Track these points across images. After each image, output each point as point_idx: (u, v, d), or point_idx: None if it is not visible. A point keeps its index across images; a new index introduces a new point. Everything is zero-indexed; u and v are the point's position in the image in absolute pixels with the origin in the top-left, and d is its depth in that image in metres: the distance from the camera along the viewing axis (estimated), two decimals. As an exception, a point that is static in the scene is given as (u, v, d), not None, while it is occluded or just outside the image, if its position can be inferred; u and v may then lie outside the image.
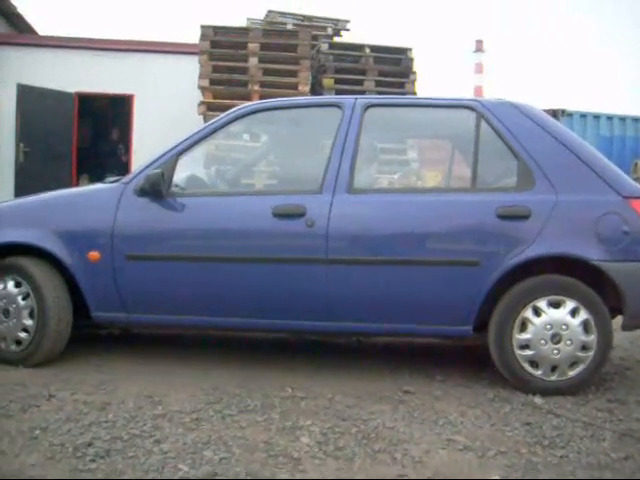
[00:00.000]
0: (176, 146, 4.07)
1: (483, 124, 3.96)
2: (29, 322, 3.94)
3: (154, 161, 4.04)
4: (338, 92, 9.81)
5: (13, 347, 3.98)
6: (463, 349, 4.87)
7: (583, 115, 12.88)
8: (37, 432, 2.91)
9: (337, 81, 9.88)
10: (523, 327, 3.70)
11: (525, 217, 3.72)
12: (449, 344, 4.98)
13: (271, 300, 3.89)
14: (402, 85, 10.05)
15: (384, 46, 10.34)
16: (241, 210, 3.99)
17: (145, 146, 10.99)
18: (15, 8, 11.96)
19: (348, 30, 11.93)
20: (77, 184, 11.57)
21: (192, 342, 4.84)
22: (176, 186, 4.03)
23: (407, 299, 3.81)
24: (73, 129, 11.37)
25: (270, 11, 11.91)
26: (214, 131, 4.16)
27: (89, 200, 4.18)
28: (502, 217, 3.73)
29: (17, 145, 10.63)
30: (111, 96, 11.87)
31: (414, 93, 10.04)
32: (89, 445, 2.78)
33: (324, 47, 10.10)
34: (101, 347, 4.48)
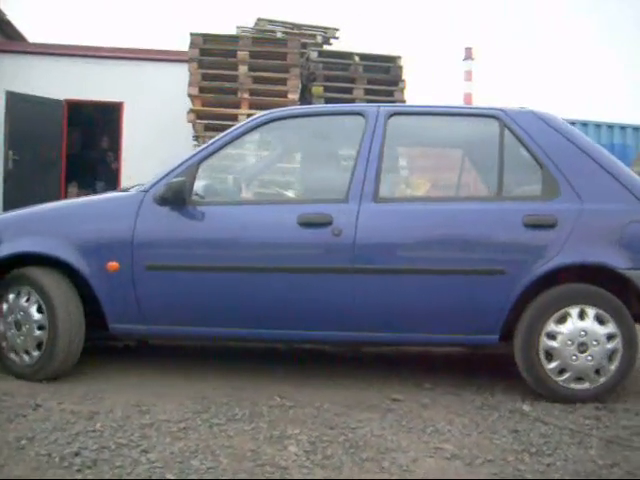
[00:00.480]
0: (196, 154, 4.02)
1: (507, 133, 4.00)
2: (40, 337, 3.82)
3: (174, 169, 3.96)
4: (327, 100, 9.82)
5: (23, 360, 3.87)
6: (451, 357, 4.88)
7: (572, 123, 12.93)
8: (23, 442, 2.89)
9: (326, 89, 9.89)
10: (559, 321, 3.72)
11: (552, 226, 3.76)
12: (436, 352, 4.99)
13: (295, 310, 3.85)
14: (391, 93, 10.06)
15: (373, 54, 10.36)
16: (265, 219, 3.94)
17: (135, 153, 11.01)
18: (5, 15, 11.93)
19: (337, 38, 11.95)
20: (66, 191, 11.55)
21: (180, 352, 4.83)
22: (196, 194, 3.97)
23: (434, 308, 3.81)
24: (62, 136, 11.36)
25: (260, 19, 11.93)
26: (234, 139, 4.09)
27: (107, 209, 4.07)
28: (529, 226, 3.76)
29: (6, 152, 10.60)
30: (100, 104, 11.84)
31: (403, 101, 10.06)
32: (76, 455, 2.77)
33: (313, 55, 10.12)
34: (90, 357, 4.46)
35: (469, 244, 3.85)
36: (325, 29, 11.99)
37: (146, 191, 3.94)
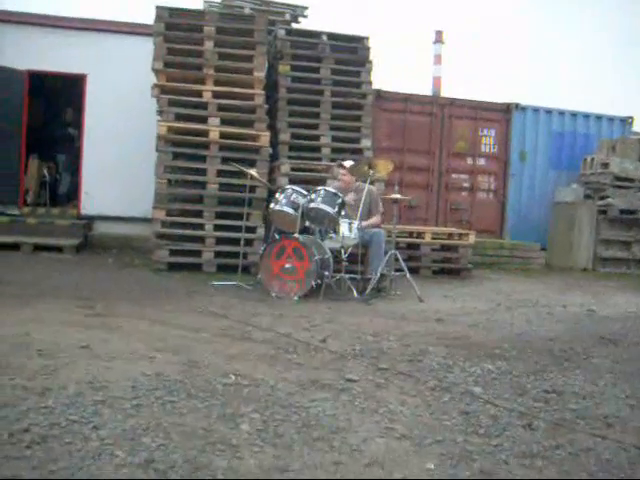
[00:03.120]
0: None
1: None
2: None
3: None
4: (294, 79, 9.78)
5: None
6: (408, 337, 4.93)
7: (536, 109, 13.04)
8: (-28, 417, 2.87)
9: (293, 68, 9.84)
10: None
11: None
12: (392, 330, 5.04)
13: None
14: (358, 74, 10.05)
15: (341, 34, 10.30)
16: None
17: (98, 127, 10.84)
18: (-36, -19, 11.61)
19: (306, 17, 11.84)
20: (26, 164, 11.34)
21: (134, 330, 4.81)
22: None
23: None
24: (23, 108, 11.09)
25: (228, -6, 11.78)
26: None
27: None
28: None
29: (-38, 123, 10.34)
30: (63, 75, 11.59)
31: (370, 82, 10.07)
32: (25, 431, 2.75)
33: (281, 33, 10.03)
34: (48, 330, 4.43)
35: None
36: (294, 7, 11.88)
37: None
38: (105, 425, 2.86)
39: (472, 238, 9.73)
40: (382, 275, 7.21)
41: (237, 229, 8.23)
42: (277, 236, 7.22)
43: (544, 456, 2.84)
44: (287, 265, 6.82)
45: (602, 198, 11.86)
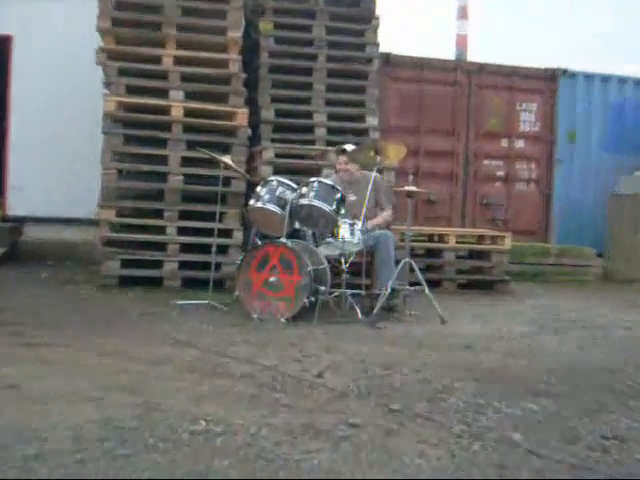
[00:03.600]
0: None
1: None
2: None
3: None
4: (278, 40, 9.79)
5: None
6: (427, 366, 4.94)
7: (589, 76, 13.04)
8: None
9: (277, 26, 9.86)
10: None
11: None
12: (407, 361, 5.05)
13: None
14: (361, 33, 10.08)
15: (338, -18, 10.37)
16: None
17: (29, 103, 10.81)
18: None
19: (293, -40, 11.90)
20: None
21: (76, 363, 4.81)
22: None
23: None
24: None
25: None
26: None
27: None
28: None
29: None
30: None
31: (376, 44, 10.09)
32: None
33: (262, -19, 10.08)
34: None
35: None
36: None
37: None
38: (39, 487, 2.86)
39: (508, 242, 9.74)
40: (393, 290, 7.21)
41: (208, 233, 8.23)
42: (259, 241, 7.23)
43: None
44: (272, 279, 6.81)
45: (676, 189, 11.89)
